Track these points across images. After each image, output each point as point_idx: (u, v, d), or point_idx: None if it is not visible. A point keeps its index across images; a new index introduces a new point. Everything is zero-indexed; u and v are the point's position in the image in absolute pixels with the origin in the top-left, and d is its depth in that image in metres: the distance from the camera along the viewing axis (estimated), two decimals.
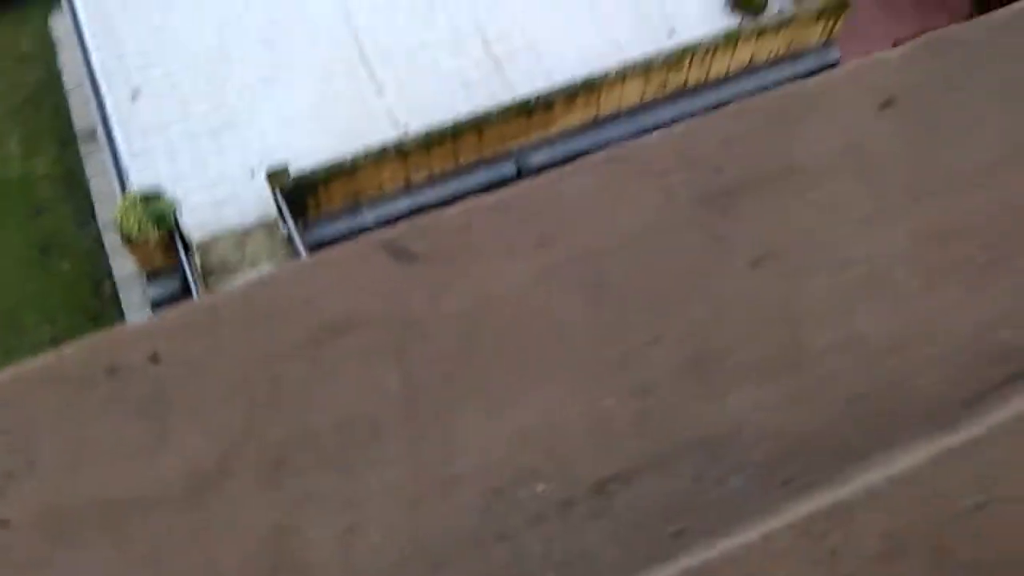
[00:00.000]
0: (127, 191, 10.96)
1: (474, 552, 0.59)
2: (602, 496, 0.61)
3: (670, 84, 12.07)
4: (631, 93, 11.87)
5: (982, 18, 0.87)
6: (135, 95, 12.13)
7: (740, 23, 12.31)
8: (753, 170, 0.75)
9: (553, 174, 0.76)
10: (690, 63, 12.01)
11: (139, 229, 10.30)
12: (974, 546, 0.57)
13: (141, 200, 10.54)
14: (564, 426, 0.63)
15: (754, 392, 0.65)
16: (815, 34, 12.62)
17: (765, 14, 12.62)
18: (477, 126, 11.15)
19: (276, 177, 10.70)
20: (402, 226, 0.72)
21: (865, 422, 0.64)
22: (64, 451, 0.61)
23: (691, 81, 12.21)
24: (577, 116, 11.69)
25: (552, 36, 12.57)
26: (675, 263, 0.71)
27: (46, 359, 0.65)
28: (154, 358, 0.65)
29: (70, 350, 0.65)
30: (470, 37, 12.57)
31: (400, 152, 10.95)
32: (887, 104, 0.78)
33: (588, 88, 11.42)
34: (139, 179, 11.22)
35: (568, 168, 0.77)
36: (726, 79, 12.40)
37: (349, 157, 10.83)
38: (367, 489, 0.60)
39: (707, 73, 12.33)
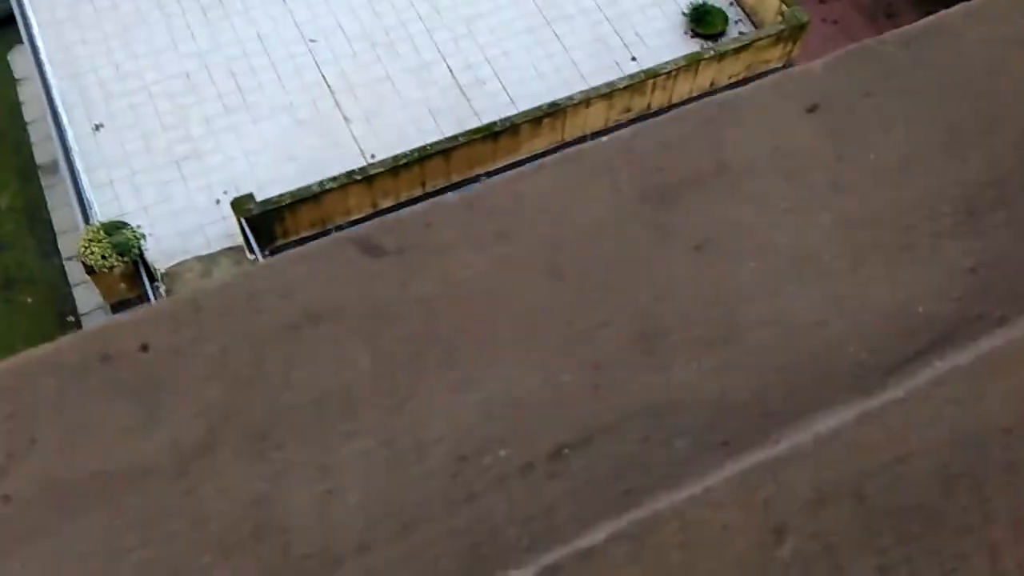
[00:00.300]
0: (90, 223, 10.87)
1: (443, 512, 0.64)
2: (559, 460, 0.67)
3: (634, 108, 12.30)
4: (595, 117, 12.07)
5: (896, 31, 0.96)
6: (97, 127, 12.07)
7: (701, 48, 12.61)
8: (691, 168, 0.82)
9: (511, 174, 0.83)
10: (653, 87, 12.25)
11: (103, 260, 10.23)
12: (891, 493, 0.64)
13: (104, 231, 10.47)
14: (524, 398, 0.70)
15: (695, 364, 0.71)
16: (774, 56, 12.94)
17: (725, 38, 12.95)
18: (444, 151, 11.25)
19: (241, 205, 10.69)
20: (371, 223, 0.78)
21: (794, 389, 0.70)
22: (62, 431, 0.66)
23: (654, 104, 12.45)
24: (543, 141, 11.84)
25: (516, 65, 12.77)
26: (623, 251, 0.78)
27: (44, 349, 0.70)
28: (143, 347, 0.71)
29: (66, 340, 0.70)
30: (435, 67, 12.72)
31: (366, 178, 11.00)
32: (811, 109, 0.86)
33: (553, 113, 11.60)
34: (103, 211, 11.15)
35: (526, 168, 0.84)
36: (688, 102, 12.65)
37: (316, 184, 10.85)
38: (343, 458, 0.66)
39: (670, 97, 12.57)
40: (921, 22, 0.99)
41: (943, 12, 1.03)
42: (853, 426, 0.67)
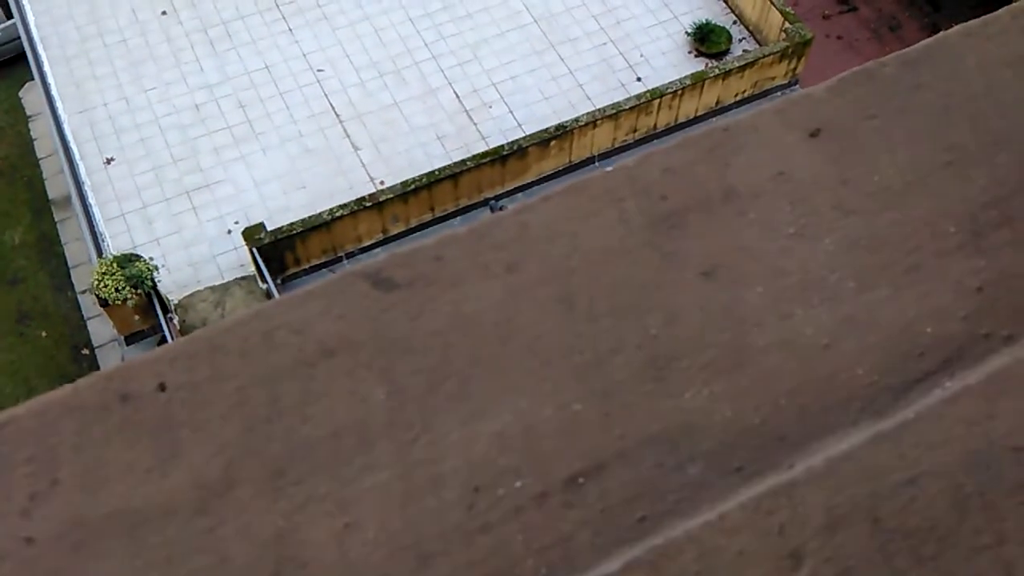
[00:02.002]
0: (103, 256, 10.97)
1: (460, 543, 0.65)
2: (574, 488, 0.67)
3: (640, 128, 12.34)
4: (602, 138, 12.12)
5: (896, 54, 0.97)
6: (109, 161, 12.21)
7: (706, 67, 12.67)
8: (697, 195, 0.83)
9: (519, 205, 0.84)
10: (659, 107, 12.30)
11: (116, 292, 10.30)
12: (905, 515, 0.64)
13: (117, 264, 10.55)
14: (537, 428, 0.70)
15: (706, 389, 0.72)
16: (779, 73, 12.99)
17: (729, 56, 13.02)
18: (452, 175, 11.31)
19: (252, 234, 10.77)
20: (382, 257, 0.80)
21: (806, 412, 0.71)
22: (83, 472, 0.67)
23: (660, 124, 12.49)
24: (550, 162, 11.90)
25: (522, 88, 12.86)
26: (632, 279, 0.78)
27: (63, 391, 0.71)
28: (161, 386, 0.72)
29: (84, 382, 0.71)
30: (442, 93, 12.82)
31: (376, 204, 11.07)
32: (815, 133, 0.87)
33: (560, 135, 11.66)
34: (115, 244, 11.25)
35: (534, 199, 0.85)
36: (695, 120, 12.70)
37: (326, 211, 10.92)
38: (360, 491, 0.67)
39: (676, 116, 12.62)
40: (921, 43, 1.00)
41: (943, 33, 1.04)
42: (865, 448, 0.68)
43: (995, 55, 0.98)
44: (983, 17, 1.03)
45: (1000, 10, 1.05)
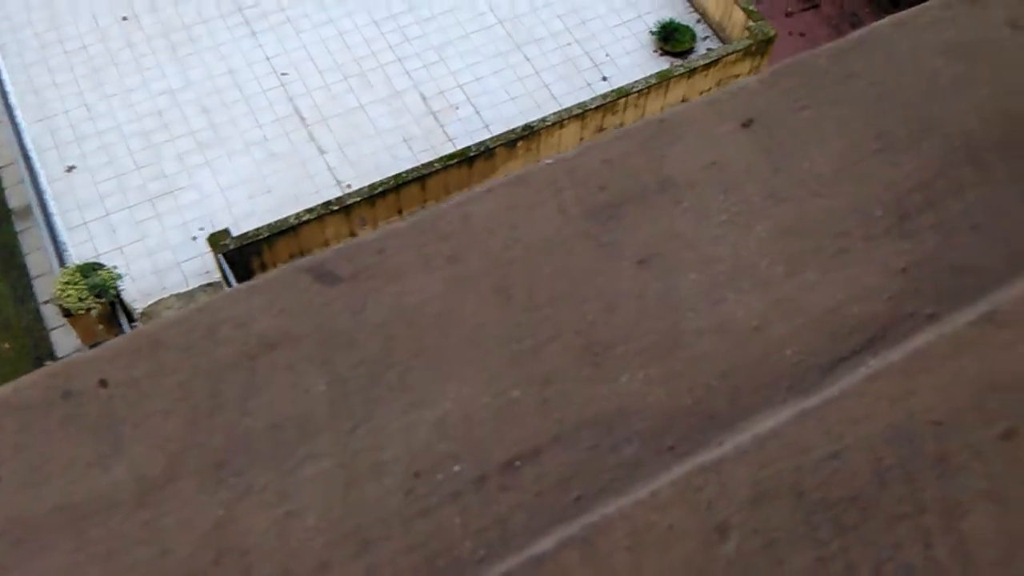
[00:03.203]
0: (65, 265, 10.81)
1: (400, 527, 0.66)
2: (511, 472, 0.69)
3: (607, 127, 12.41)
4: (569, 138, 12.17)
5: (828, 45, 1.00)
6: (70, 169, 12.04)
7: (671, 66, 12.77)
8: (634, 185, 0.85)
9: (461, 196, 0.86)
10: (624, 106, 12.38)
11: (79, 302, 10.15)
12: (828, 487, 0.67)
13: (80, 273, 10.40)
14: (476, 415, 0.72)
15: (641, 373, 0.74)
16: (744, 71, 13.12)
17: (694, 55, 13.13)
18: (419, 178, 11.30)
19: (217, 240, 10.67)
20: (325, 251, 0.81)
21: (737, 392, 0.73)
22: (25, 469, 0.67)
23: (627, 123, 12.56)
24: (518, 163, 11.92)
25: (488, 89, 12.88)
26: (569, 268, 0.80)
27: (4, 390, 0.71)
28: (103, 382, 0.72)
29: (26, 379, 0.72)
30: (407, 95, 12.80)
31: (343, 207, 11.02)
32: (747, 124, 0.90)
33: (527, 135, 11.69)
34: (78, 252, 11.09)
35: (475, 191, 0.86)
36: None
37: (292, 216, 10.86)
38: (301, 480, 0.68)
39: (642, 114, 12.70)
40: (853, 34, 1.03)
41: (873, 24, 1.07)
42: (791, 425, 0.70)
43: (925, 44, 1.02)
44: (914, 7, 1.06)
45: (931, 0, 1.08)
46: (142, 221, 11.72)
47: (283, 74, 13.03)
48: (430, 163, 11.49)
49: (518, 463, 0.69)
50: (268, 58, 13.20)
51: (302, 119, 12.60)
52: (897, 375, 0.71)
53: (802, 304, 0.78)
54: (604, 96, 12.25)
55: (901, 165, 0.89)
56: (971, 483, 0.65)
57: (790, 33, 16.48)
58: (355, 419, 0.71)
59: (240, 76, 13.03)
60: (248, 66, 13.11)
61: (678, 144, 0.88)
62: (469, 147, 11.70)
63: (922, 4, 1.09)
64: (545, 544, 0.64)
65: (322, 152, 12.30)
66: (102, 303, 10.39)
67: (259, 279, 0.79)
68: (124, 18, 13.45)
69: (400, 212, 11.54)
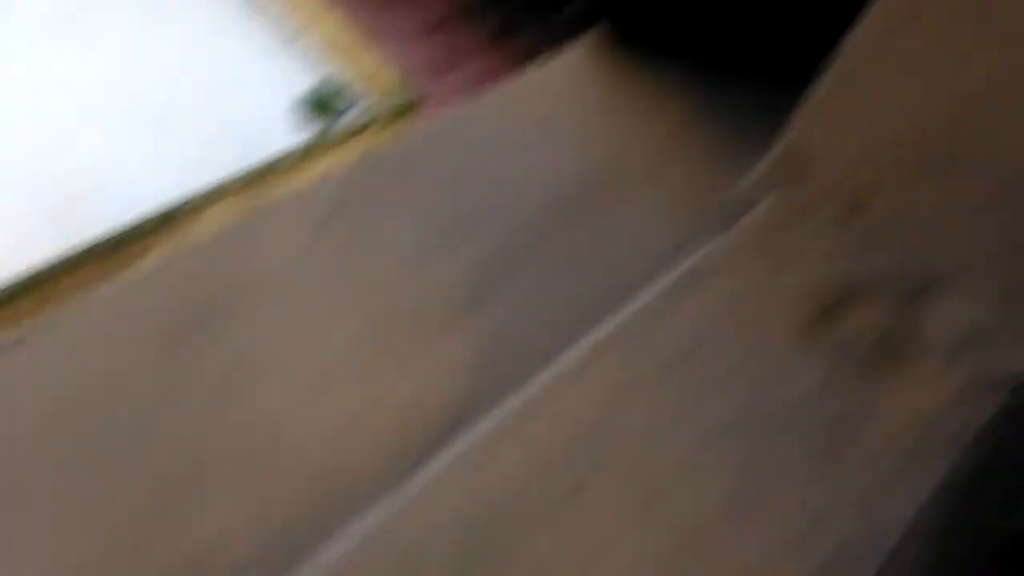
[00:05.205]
0: None
1: None
2: None
3: (254, 203, 12.12)
4: (216, 219, 11.70)
5: (405, 138, 1.06)
6: None
7: (321, 130, 12.86)
8: (211, 300, 0.82)
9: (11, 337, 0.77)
10: (271, 181, 12.19)
11: None
12: None
13: None
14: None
15: (234, 496, 0.71)
16: (390, 136, 13.57)
17: (341, 122, 13.36)
18: (36, 285, 10.12)
19: None
20: None
21: (334, 496, 0.73)
22: None
23: (277, 197, 12.39)
24: (162, 250, 11.18)
25: (122, 169, 11.97)
26: (143, 401, 0.75)
27: None
28: None
29: None
30: (37, 181, 11.48)
31: None
32: (324, 223, 0.91)
33: (165, 222, 11.03)
34: None
35: (25, 332, 0.78)
36: (310, 190, 12.76)
37: None
38: None
39: (292, 187, 12.59)
40: (422, 126, 1.10)
41: (444, 115, 1.16)
42: (380, 523, 0.71)
43: (492, 127, 1.11)
44: (496, 89, 1.16)
45: (523, 77, 1.18)
46: None
47: None
48: (47, 269, 10.35)
49: None
50: None
51: None
52: (476, 456, 0.75)
53: (385, 401, 0.80)
54: (246, 173, 11.98)
55: (477, 242, 0.96)
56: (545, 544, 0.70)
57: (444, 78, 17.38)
58: None
59: None
60: None
61: (255, 253, 0.87)
62: (93, 243, 10.74)
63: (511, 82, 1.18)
64: None
65: None
66: None
67: None
68: None
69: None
